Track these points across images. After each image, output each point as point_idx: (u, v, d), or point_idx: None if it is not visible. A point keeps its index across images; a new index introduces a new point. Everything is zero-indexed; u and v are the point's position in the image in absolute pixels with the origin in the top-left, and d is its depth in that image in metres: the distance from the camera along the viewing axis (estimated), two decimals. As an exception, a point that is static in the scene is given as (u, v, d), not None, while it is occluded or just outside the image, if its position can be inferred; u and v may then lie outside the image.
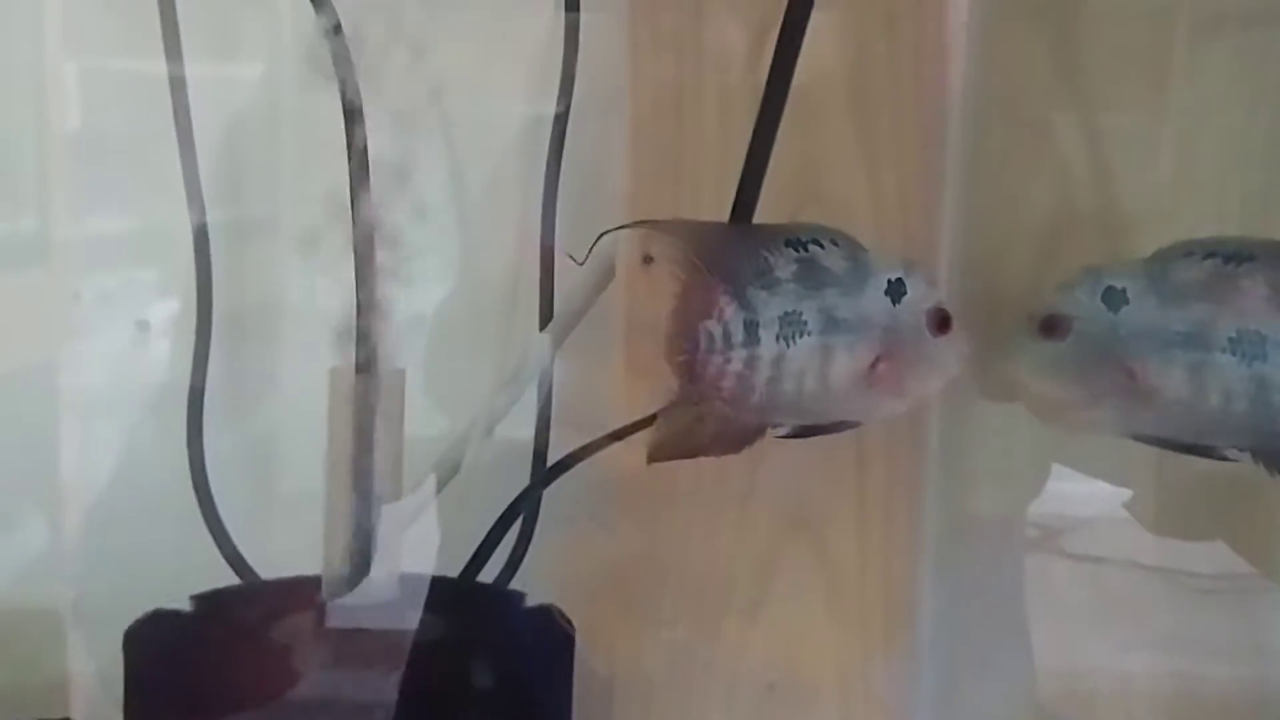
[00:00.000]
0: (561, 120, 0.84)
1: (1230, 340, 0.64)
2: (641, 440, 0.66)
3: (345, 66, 0.71)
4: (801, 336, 0.63)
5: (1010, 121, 0.77)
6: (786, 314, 0.63)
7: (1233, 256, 0.65)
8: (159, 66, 0.82)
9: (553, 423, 0.82)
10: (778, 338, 0.63)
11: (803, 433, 0.69)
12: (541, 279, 0.84)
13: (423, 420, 0.77)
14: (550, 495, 0.80)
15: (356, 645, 0.72)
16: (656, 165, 0.77)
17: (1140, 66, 0.77)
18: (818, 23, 0.66)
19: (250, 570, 0.80)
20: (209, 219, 0.83)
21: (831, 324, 0.64)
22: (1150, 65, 0.76)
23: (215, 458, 0.82)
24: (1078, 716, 0.83)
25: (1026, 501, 0.81)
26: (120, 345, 0.86)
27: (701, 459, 0.65)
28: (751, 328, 0.63)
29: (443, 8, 0.82)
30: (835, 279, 0.64)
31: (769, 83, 0.66)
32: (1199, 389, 0.65)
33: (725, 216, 0.68)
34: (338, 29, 0.71)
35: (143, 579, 0.79)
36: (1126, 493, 0.80)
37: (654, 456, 0.64)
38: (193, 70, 0.82)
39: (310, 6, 0.70)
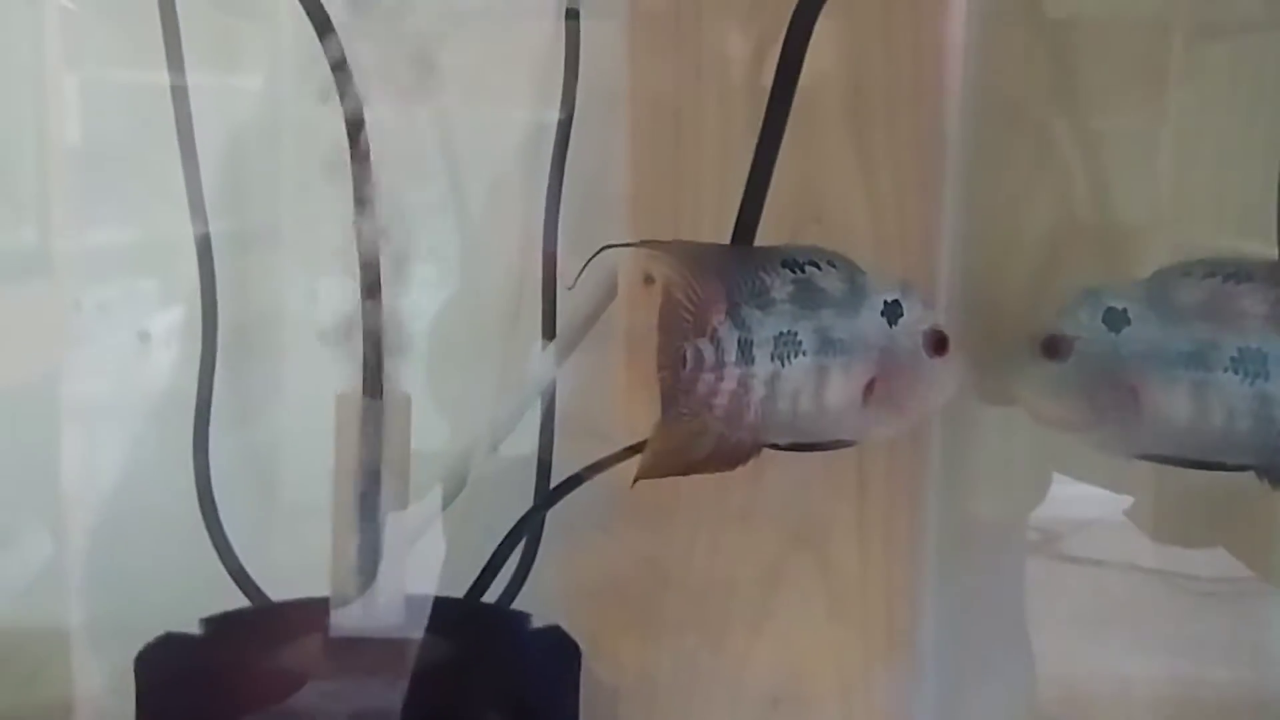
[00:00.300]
0: (564, 128, 0.84)
1: (1232, 359, 0.64)
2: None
3: (346, 79, 0.71)
4: (797, 356, 0.64)
5: (1008, 136, 0.77)
6: (782, 334, 0.64)
7: (1231, 276, 0.65)
8: (157, 77, 0.81)
9: (556, 435, 0.82)
10: (773, 357, 0.63)
11: (797, 449, 0.69)
12: (544, 287, 0.84)
13: (425, 433, 0.77)
14: (555, 506, 0.80)
15: (368, 667, 0.72)
16: (656, 171, 0.77)
17: (1140, 79, 0.76)
18: (815, 41, 0.66)
19: (254, 585, 0.81)
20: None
21: (827, 344, 0.64)
22: (1149, 76, 0.76)
23: (215, 470, 0.82)
24: (1078, 722, 0.84)
25: (1028, 510, 0.81)
26: (121, 356, 0.86)
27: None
28: (746, 347, 0.63)
29: (444, 15, 0.82)
30: (831, 300, 0.64)
31: (770, 104, 0.66)
32: (1202, 408, 0.65)
33: (725, 223, 0.68)
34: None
35: (145, 595, 0.80)
36: (1127, 499, 0.80)
37: (643, 473, 0.64)
38: (192, 80, 0.82)
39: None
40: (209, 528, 0.81)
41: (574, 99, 0.82)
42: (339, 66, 0.70)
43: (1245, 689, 0.82)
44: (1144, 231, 0.76)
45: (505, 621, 0.79)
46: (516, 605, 0.80)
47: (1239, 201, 0.77)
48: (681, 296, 0.64)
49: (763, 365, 0.63)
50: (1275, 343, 0.64)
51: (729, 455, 0.65)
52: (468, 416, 0.84)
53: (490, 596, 0.80)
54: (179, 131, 0.82)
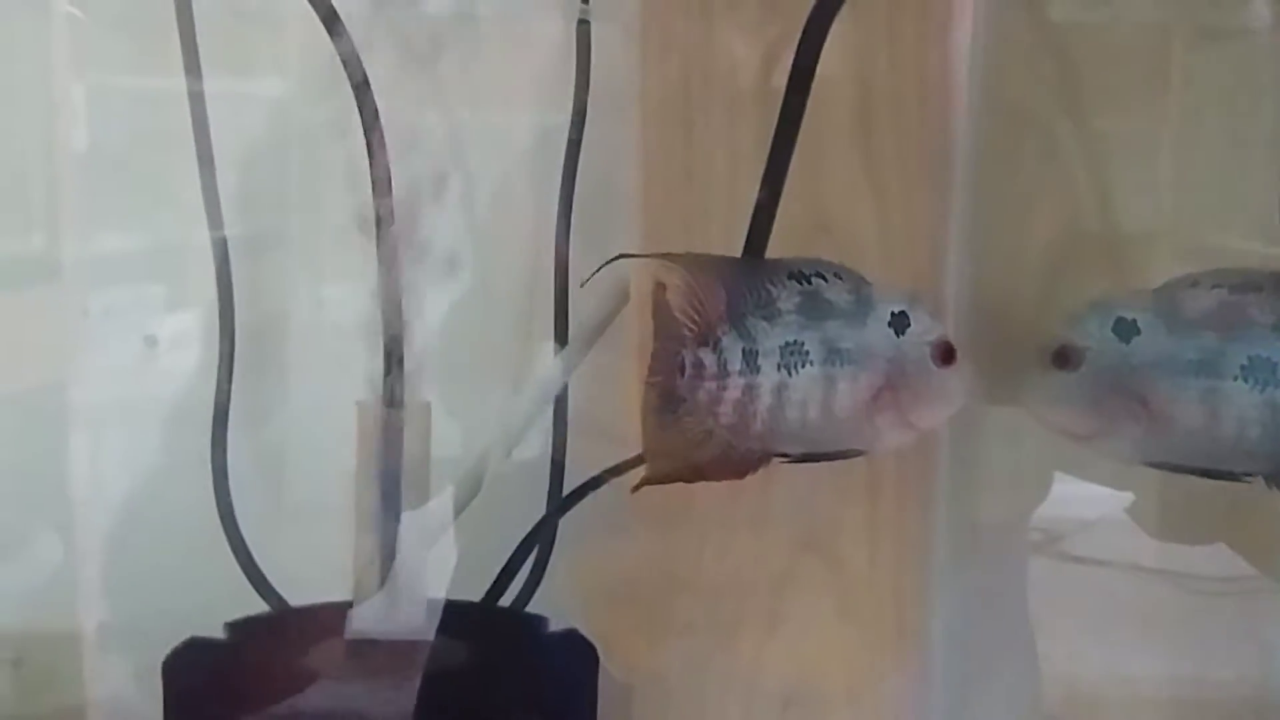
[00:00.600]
0: (576, 130, 0.83)
1: (1242, 368, 0.65)
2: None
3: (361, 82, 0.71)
4: (804, 366, 0.64)
5: (1016, 144, 0.77)
6: (788, 344, 0.64)
7: (1239, 287, 0.65)
8: (167, 83, 0.82)
9: (569, 438, 0.82)
10: (779, 367, 0.64)
11: (807, 459, 0.69)
12: (556, 293, 0.84)
13: (440, 438, 0.77)
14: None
15: (392, 671, 0.73)
16: (666, 173, 0.77)
17: (1146, 83, 0.76)
18: (823, 55, 0.66)
19: (271, 589, 0.81)
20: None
21: (834, 354, 0.64)
22: (1155, 80, 0.76)
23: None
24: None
25: (1035, 512, 0.81)
26: (130, 362, 0.86)
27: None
28: (751, 356, 0.64)
29: (454, 20, 0.82)
30: (838, 311, 0.65)
31: (782, 114, 0.67)
32: (1212, 416, 0.65)
33: (735, 226, 0.69)
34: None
35: (161, 600, 0.80)
36: (1130, 496, 0.80)
37: (647, 480, 0.65)
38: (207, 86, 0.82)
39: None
40: (226, 531, 0.81)
41: (585, 105, 0.82)
42: (351, 60, 0.70)
43: (1251, 688, 0.82)
44: (1151, 236, 0.76)
45: (524, 625, 0.80)
46: (530, 608, 0.81)
47: (1246, 204, 0.77)
48: (684, 305, 0.64)
49: (769, 375, 0.64)
50: (1285, 352, 0.65)
51: (738, 464, 0.66)
52: (481, 421, 0.84)
53: (504, 599, 0.80)
54: (195, 137, 0.82)
